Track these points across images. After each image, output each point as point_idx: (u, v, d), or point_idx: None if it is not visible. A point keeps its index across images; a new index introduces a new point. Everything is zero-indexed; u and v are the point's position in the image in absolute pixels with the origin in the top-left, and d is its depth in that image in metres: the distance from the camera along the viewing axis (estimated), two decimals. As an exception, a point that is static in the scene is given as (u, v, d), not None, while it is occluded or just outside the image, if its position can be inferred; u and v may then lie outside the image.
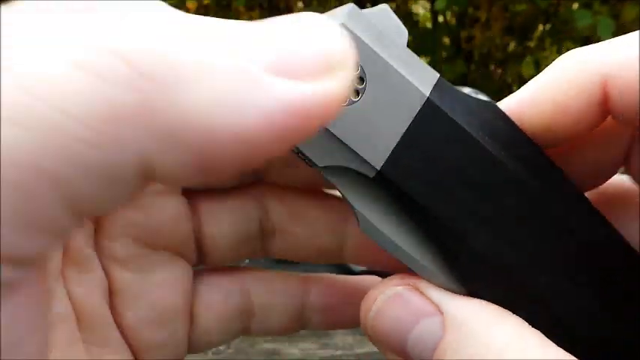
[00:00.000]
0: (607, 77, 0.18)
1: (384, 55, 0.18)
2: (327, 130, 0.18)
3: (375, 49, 0.18)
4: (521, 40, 2.53)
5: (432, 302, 0.19)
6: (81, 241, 0.21)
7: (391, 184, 0.18)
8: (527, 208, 0.19)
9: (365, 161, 0.18)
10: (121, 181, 0.12)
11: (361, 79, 0.18)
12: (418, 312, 0.19)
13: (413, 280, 0.20)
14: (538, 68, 2.09)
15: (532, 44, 2.51)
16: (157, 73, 0.11)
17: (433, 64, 2.70)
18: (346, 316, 0.24)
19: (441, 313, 0.19)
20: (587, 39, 2.11)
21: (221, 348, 0.63)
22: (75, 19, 0.11)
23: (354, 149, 0.18)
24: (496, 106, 0.19)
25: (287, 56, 0.13)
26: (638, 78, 0.17)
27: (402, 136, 0.18)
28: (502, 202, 0.19)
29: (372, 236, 0.19)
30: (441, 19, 2.61)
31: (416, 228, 0.19)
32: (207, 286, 0.24)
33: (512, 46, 2.55)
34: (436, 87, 0.18)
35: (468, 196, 0.19)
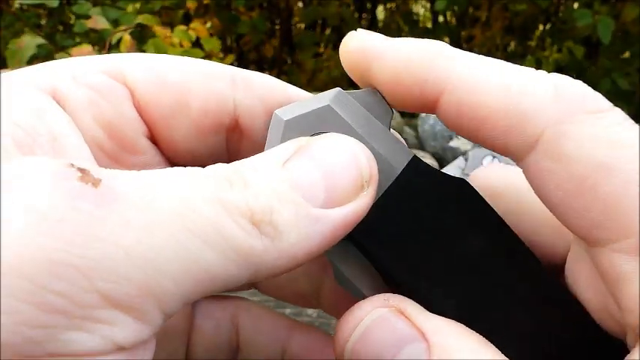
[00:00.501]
0: (445, 88, 0.19)
1: (363, 133, 0.20)
2: None
3: (355, 127, 0.20)
4: (522, 40, 2.54)
5: (417, 327, 0.19)
6: None
7: (361, 246, 0.20)
8: (485, 276, 0.20)
9: None
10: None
11: None
12: (403, 337, 0.19)
13: (397, 301, 0.20)
14: (541, 68, 2.08)
15: (532, 44, 2.51)
16: (269, 234, 0.17)
17: (433, 64, 2.69)
18: None
19: (426, 339, 0.19)
20: (588, 38, 2.11)
21: None
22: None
23: None
24: (467, 183, 0.21)
25: (332, 191, 0.18)
26: (465, 103, 0.19)
27: (373, 206, 0.19)
28: (465, 270, 0.20)
29: (345, 287, 0.21)
30: (441, 19, 2.61)
31: (384, 284, 0.21)
32: (200, 312, 0.25)
33: (512, 45, 2.55)
34: (410, 164, 0.20)
35: (430, 264, 0.20)
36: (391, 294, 0.20)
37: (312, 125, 0.20)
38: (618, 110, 0.18)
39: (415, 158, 0.21)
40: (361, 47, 0.20)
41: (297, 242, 0.17)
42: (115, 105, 0.21)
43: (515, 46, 2.53)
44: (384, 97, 0.21)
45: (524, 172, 0.19)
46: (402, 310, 0.19)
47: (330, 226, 0.18)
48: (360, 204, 0.19)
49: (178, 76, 0.22)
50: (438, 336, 0.19)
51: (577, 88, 0.18)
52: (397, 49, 0.20)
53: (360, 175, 0.19)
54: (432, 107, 0.20)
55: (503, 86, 0.19)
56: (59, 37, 1.66)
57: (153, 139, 0.22)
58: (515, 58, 2.39)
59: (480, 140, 0.20)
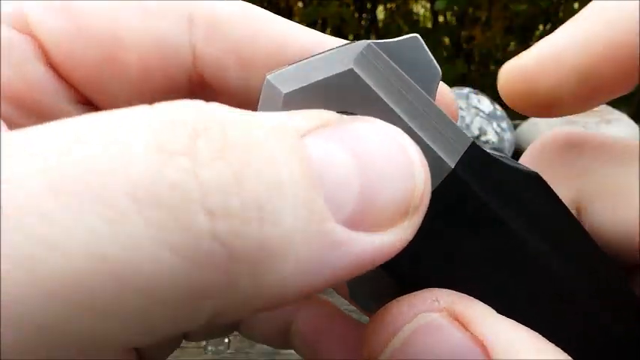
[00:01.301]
0: None
1: (400, 111, 0.14)
2: None
3: (391, 103, 0.14)
4: (522, 40, 2.53)
5: (476, 336, 0.14)
6: None
7: (393, 269, 0.15)
8: (546, 290, 0.16)
9: None
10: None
11: None
12: (458, 349, 0.14)
13: (449, 301, 0.15)
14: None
15: (533, 43, 2.51)
16: (247, 255, 0.10)
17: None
18: (330, 351, 0.21)
19: (487, 352, 0.14)
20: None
21: (221, 348, 0.63)
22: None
23: None
24: (539, 177, 0.16)
25: (369, 205, 0.12)
26: None
27: None
28: (521, 287, 0.16)
29: (360, 305, 0.17)
30: (441, 19, 2.61)
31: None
32: None
33: (512, 45, 2.54)
34: (466, 154, 0.15)
35: (486, 285, 0.15)
36: (440, 290, 0.15)
37: (327, 100, 0.13)
38: None
39: (474, 146, 0.15)
40: (530, 61, 0.15)
41: (295, 272, 0.11)
42: (19, 66, 0.15)
43: (516, 46, 2.52)
44: (425, 47, 0.15)
45: None
46: (456, 314, 0.14)
47: (352, 260, 0.12)
48: (400, 234, 0.13)
49: (105, 18, 0.15)
50: (502, 347, 0.14)
51: None
52: (586, 33, 0.15)
53: (411, 194, 0.13)
54: None
55: None
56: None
57: (87, 102, 0.17)
58: (516, 58, 2.38)
59: None
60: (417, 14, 2.85)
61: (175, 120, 0.10)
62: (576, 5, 2.17)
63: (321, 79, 0.14)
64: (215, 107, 0.11)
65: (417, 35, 0.15)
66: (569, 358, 0.15)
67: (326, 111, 0.13)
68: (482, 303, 0.15)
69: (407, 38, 0.15)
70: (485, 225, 0.15)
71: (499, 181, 0.15)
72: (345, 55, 0.14)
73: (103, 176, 0.09)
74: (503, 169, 0.15)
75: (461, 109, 1.48)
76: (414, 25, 2.65)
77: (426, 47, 0.15)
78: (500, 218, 0.15)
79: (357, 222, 0.12)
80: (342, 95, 0.14)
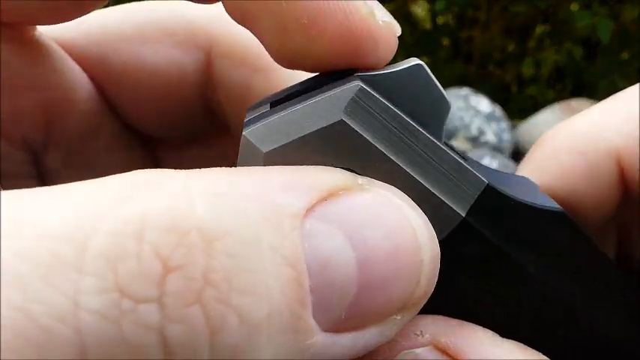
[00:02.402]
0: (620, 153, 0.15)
1: (401, 161, 0.12)
2: None
3: (390, 153, 0.12)
4: (521, 41, 2.54)
5: None
6: None
7: None
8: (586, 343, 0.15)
9: None
10: None
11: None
12: None
13: (436, 330, 0.14)
14: (539, 68, 2.09)
15: (532, 44, 2.51)
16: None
17: (432, 65, 2.69)
18: None
19: None
20: (587, 39, 2.11)
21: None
22: None
23: None
24: (563, 215, 0.15)
25: (360, 309, 0.10)
26: None
27: None
28: (542, 330, 0.15)
29: None
30: (440, 20, 2.61)
31: None
32: None
33: (511, 46, 2.55)
34: (479, 200, 0.13)
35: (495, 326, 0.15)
36: (425, 320, 0.14)
37: (315, 155, 0.12)
38: None
39: (488, 189, 0.14)
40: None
41: None
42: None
43: (515, 47, 2.53)
44: (431, 76, 0.13)
45: None
46: (442, 346, 0.14)
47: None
48: (388, 331, 0.11)
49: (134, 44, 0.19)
50: None
51: None
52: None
53: (413, 292, 0.11)
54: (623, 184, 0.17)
55: None
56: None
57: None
58: (514, 59, 2.39)
59: None
60: (417, 15, 2.86)
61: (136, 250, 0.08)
62: (575, 6, 2.17)
63: (305, 134, 0.12)
64: (186, 204, 0.09)
65: (421, 63, 0.13)
66: None
67: (331, 170, 0.12)
68: (479, 328, 0.14)
69: (407, 68, 0.13)
70: (500, 271, 0.14)
71: (517, 224, 0.14)
72: (332, 102, 0.12)
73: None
74: (521, 211, 0.14)
75: (460, 109, 1.48)
76: (413, 26, 2.65)
77: (431, 76, 0.13)
78: (517, 263, 0.14)
79: (345, 326, 0.10)
80: (332, 148, 0.12)
